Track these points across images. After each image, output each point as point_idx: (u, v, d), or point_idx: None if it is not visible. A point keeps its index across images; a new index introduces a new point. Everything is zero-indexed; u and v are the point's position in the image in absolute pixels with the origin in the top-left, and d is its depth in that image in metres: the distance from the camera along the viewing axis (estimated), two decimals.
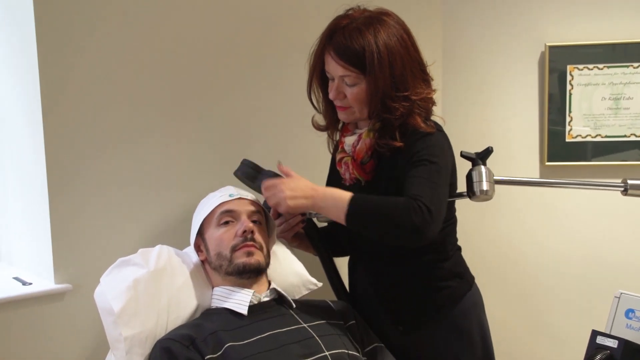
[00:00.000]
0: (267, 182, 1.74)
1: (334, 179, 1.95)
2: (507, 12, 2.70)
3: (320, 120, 1.94)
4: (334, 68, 1.73)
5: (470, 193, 1.80)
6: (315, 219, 1.95)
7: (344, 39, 1.69)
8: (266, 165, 1.86)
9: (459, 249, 1.92)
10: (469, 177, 1.82)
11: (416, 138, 1.71)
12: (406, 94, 1.71)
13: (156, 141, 1.96)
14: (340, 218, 1.64)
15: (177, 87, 2.00)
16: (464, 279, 1.88)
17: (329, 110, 1.87)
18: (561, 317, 2.72)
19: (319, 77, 1.82)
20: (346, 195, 1.64)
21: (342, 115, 1.82)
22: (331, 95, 1.77)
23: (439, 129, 1.77)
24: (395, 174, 1.72)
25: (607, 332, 1.67)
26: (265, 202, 1.91)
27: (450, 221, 1.86)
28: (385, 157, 1.76)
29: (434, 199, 1.61)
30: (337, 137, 1.92)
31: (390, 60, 1.69)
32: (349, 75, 1.71)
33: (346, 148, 1.84)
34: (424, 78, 1.77)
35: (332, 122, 1.90)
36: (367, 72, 1.69)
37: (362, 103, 1.74)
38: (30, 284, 1.82)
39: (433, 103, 1.80)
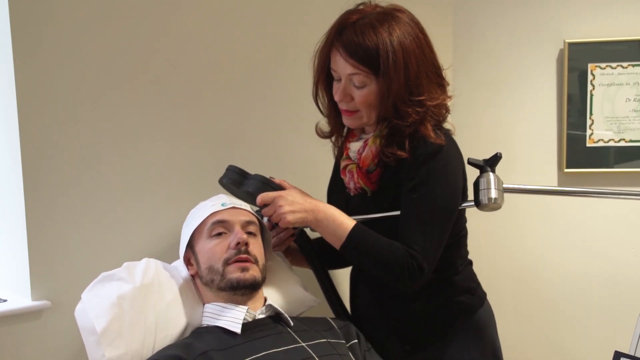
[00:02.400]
0: (264, 197, 1.75)
1: (336, 189, 1.96)
2: (522, 6, 2.70)
3: (325, 126, 1.94)
4: (342, 66, 1.72)
5: (478, 202, 1.80)
6: (308, 229, 1.96)
7: (355, 36, 1.69)
8: (261, 172, 1.87)
9: (470, 262, 1.93)
10: (476, 185, 1.82)
11: (422, 158, 1.70)
12: (421, 98, 1.71)
13: (142, 149, 1.96)
14: (335, 244, 1.74)
15: (165, 94, 2.00)
16: (476, 294, 1.88)
17: (334, 114, 1.86)
18: (581, 338, 2.72)
19: (324, 77, 1.81)
20: (347, 224, 1.72)
21: (347, 121, 1.81)
22: (337, 97, 1.76)
23: (448, 140, 1.76)
24: (400, 186, 1.74)
25: (632, 353, 1.68)
26: (259, 211, 1.92)
27: (461, 233, 1.86)
28: (391, 167, 1.77)
29: (429, 254, 1.69)
30: (341, 143, 1.93)
31: (406, 61, 1.68)
32: (358, 75, 1.70)
33: (351, 154, 1.84)
34: (439, 82, 1.77)
35: (336, 127, 1.90)
36: (380, 72, 1.68)
37: (370, 107, 1.74)
38: (5, 300, 1.81)
39: (447, 110, 1.80)
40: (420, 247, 1.68)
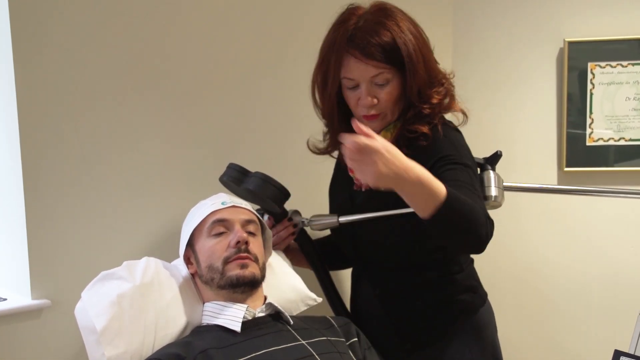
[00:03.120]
0: (359, 141, 1.43)
1: (338, 187, 1.97)
2: (522, 6, 2.71)
3: (318, 143, 1.94)
4: (363, 70, 1.70)
5: None
6: (308, 228, 1.96)
7: (370, 36, 1.69)
8: (261, 169, 1.87)
9: (472, 261, 1.93)
10: None
11: (440, 138, 1.73)
12: (439, 78, 1.77)
13: (142, 148, 1.97)
14: (425, 212, 1.50)
15: (165, 93, 2.01)
16: (477, 293, 1.88)
17: (343, 128, 1.80)
18: (580, 337, 2.72)
19: (335, 93, 1.78)
20: (441, 188, 1.49)
21: (373, 125, 1.76)
22: (365, 103, 1.73)
23: (455, 129, 1.80)
24: None
25: (631, 352, 1.68)
26: (259, 209, 1.92)
27: None
28: None
29: (486, 209, 1.64)
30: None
31: (420, 47, 1.73)
32: (382, 74, 1.70)
33: None
34: (436, 60, 1.81)
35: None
36: (404, 64, 1.70)
37: (395, 103, 1.75)
38: (5, 299, 1.81)
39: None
40: (481, 203, 1.63)
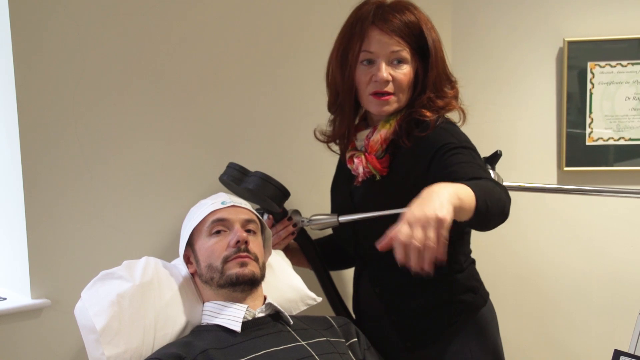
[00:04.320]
0: (410, 217, 1.34)
1: (339, 183, 1.97)
2: (522, 5, 2.71)
3: (326, 130, 1.95)
4: (386, 44, 1.74)
5: None
6: (308, 228, 1.97)
7: (397, 13, 1.74)
8: (261, 169, 1.87)
9: (473, 261, 1.93)
10: None
11: (438, 129, 1.75)
12: (451, 79, 1.83)
13: (142, 147, 1.97)
14: (467, 216, 1.45)
15: (164, 93, 2.01)
16: (479, 293, 1.88)
17: (352, 114, 1.86)
18: (581, 336, 2.73)
19: (354, 72, 1.79)
20: (461, 185, 1.45)
21: (382, 106, 1.78)
22: (381, 77, 1.74)
23: (454, 124, 1.82)
24: (414, 166, 1.74)
25: (631, 352, 1.68)
26: (259, 209, 1.92)
27: (464, 230, 1.87)
28: (400, 152, 1.78)
29: (496, 181, 1.66)
30: (347, 138, 1.92)
31: (439, 39, 1.79)
32: (401, 51, 1.75)
33: (358, 144, 1.85)
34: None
35: (350, 123, 1.87)
36: (430, 50, 1.75)
37: (407, 87, 1.78)
38: (5, 299, 1.82)
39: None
40: (491, 178, 1.64)
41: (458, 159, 1.66)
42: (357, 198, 1.89)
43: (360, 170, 1.82)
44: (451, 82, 1.83)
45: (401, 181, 1.77)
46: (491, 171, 1.85)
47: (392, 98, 1.77)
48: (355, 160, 1.83)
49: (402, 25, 1.73)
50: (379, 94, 1.77)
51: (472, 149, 1.72)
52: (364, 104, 1.82)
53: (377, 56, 1.75)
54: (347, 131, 1.88)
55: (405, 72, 1.76)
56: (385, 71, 1.74)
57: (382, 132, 1.79)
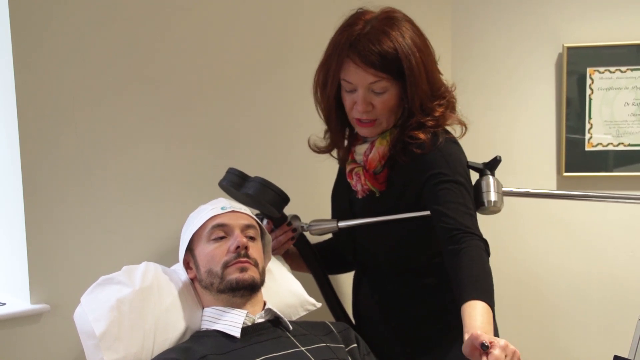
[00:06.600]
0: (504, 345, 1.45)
1: (340, 192, 1.97)
2: (521, 11, 2.71)
3: (318, 141, 1.95)
4: (362, 77, 1.72)
5: (478, 205, 1.81)
6: (307, 233, 1.96)
7: (372, 44, 1.70)
8: (261, 174, 1.88)
9: None
10: (477, 188, 1.83)
11: (434, 151, 1.74)
12: (441, 91, 1.78)
13: (141, 151, 1.97)
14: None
15: (164, 96, 2.01)
16: None
17: (340, 128, 1.88)
18: (580, 342, 2.73)
19: (333, 95, 1.80)
20: (481, 303, 1.60)
21: (365, 131, 1.81)
22: (360, 108, 1.75)
23: (453, 141, 1.81)
24: (411, 181, 1.75)
25: (631, 358, 1.68)
26: (259, 214, 1.92)
27: None
28: (398, 165, 1.78)
29: (478, 227, 1.71)
30: (346, 147, 1.93)
31: (423, 59, 1.73)
32: (379, 82, 1.72)
33: (357, 157, 1.86)
34: (439, 72, 1.82)
35: (340, 138, 1.90)
36: (406, 75, 1.71)
37: (390, 111, 1.77)
38: (4, 304, 1.81)
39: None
40: (475, 226, 1.71)
41: (447, 197, 1.69)
42: (357, 209, 1.89)
43: (359, 188, 1.84)
44: (444, 96, 1.80)
45: (399, 195, 1.78)
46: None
47: (377, 122, 1.78)
48: (354, 177, 1.85)
49: (376, 58, 1.70)
50: (361, 122, 1.79)
51: (463, 184, 1.72)
52: (352, 124, 1.84)
53: (355, 87, 1.75)
54: (343, 143, 1.91)
55: (385, 99, 1.74)
56: (363, 103, 1.74)
57: (380, 150, 1.79)
